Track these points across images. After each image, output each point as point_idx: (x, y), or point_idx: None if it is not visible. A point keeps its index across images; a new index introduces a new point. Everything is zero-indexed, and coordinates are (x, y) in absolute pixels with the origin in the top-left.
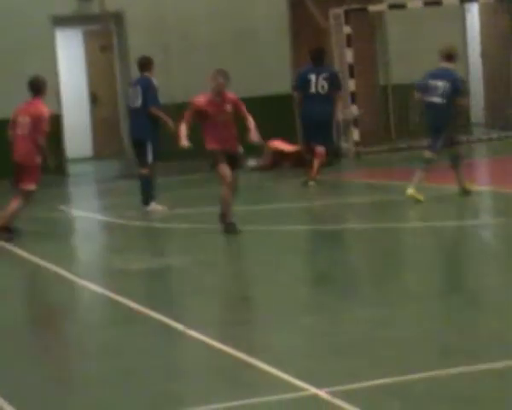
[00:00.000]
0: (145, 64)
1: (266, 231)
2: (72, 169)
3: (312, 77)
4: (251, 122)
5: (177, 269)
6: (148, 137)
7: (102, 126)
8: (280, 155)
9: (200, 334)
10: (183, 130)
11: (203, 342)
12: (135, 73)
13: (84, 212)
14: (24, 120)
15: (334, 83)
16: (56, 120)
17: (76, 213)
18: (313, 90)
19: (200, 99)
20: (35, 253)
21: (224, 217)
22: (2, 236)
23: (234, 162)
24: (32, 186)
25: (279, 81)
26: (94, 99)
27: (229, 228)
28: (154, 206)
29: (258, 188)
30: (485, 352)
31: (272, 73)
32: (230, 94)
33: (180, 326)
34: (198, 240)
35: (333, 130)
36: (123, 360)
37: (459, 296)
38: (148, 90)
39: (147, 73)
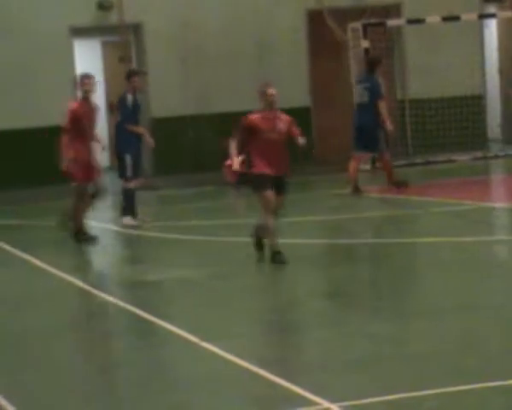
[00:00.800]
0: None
1: (281, 245)
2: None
3: (357, 86)
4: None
5: (192, 281)
6: (127, 150)
7: None
8: None
9: (214, 346)
10: (234, 149)
11: (217, 355)
12: (153, 83)
13: (98, 222)
14: None
15: (373, 92)
16: None
17: (90, 224)
18: (357, 99)
19: (253, 115)
20: (46, 262)
21: (260, 244)
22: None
23: (281, 187)
24: (75, 182)
25: (296, 94)
26: (112, 109)
27: (277, 258)
28: (128, 220)
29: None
30: (496, 369)
31: (290, 86)
32: (284, 115)
33: (194, 338)
34: (212, 252)
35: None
36: (136, 371)
37: (473, 313)
38: (123, 107)
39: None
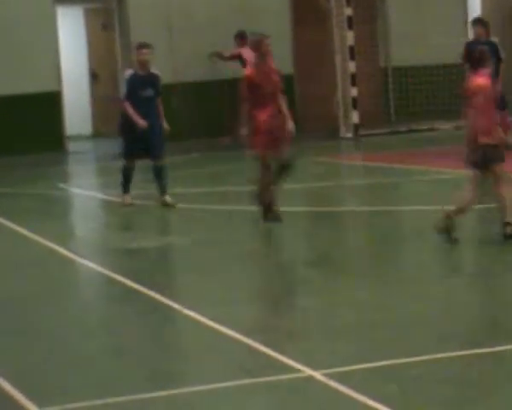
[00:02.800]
0: None
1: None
2: (71, 147)
3: None
4: (285, 108)
5: (176, 248)
6: (120, 130)
7: (102, 105)
8: None
9: (197, 314)
10: (245, 112)
11: (200, 322)
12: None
13: (84, 190)
14: None
15: None
16: (56, 97)
17: (75, 191)
18: None
19: (249, 70)
20: (33, 230)
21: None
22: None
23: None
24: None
25: (280, 62)
26: (94, 77)
27: (272, 217)
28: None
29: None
30: (482, 336)
31: (273, 54)
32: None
33: (178, 306)
34: (198, 220)
35: None
36: (120, 338)
37: (458, 280)
38: (125, 84)
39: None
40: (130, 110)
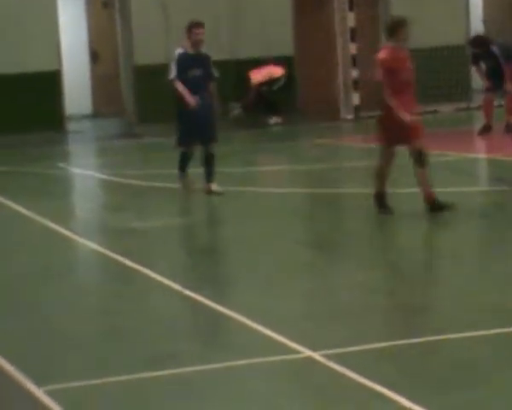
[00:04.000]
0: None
1: (264, 194)
2: (71, 126)
3: None
4: None
5: (175, 228)
6: (177, 115)
7: (102, 84)
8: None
9: (197, 294)
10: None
11: (199, 303)
12: (136, 30)
13: (83, 169)
14: None
15: None
16: (56, 77)
17: (75, 171)
18: None
19: (383, 55)
20: (32, 209)
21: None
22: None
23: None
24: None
25: (280, 44)
26: (95, 56)
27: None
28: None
29: (258, 149)
30: (479, 320)
31: (274, 35)
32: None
33: (177, 286)
34: (196, 200)
35: None
36: (118, 319)
37: (457, 264)
38: (174, 63)
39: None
40: (181, 87)
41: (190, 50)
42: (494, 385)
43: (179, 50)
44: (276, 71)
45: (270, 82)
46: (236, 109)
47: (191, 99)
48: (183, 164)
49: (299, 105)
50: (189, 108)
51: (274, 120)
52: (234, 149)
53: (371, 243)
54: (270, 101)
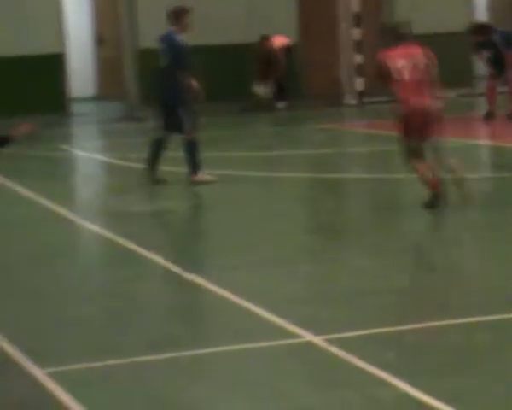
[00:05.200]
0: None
1: (266, 178)
2: (75, 109)
3: None
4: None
5: (177, 213)
6: (180, 102)
7: (106, 67)
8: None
9: (198, 277)
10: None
11: (200, 286)
12: (141, 13)
13: (86, 152)
14: None
15: None
16: (60, 59)
17: (78, 153)
18: None
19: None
20: (35, 191)
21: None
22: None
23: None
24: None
25: (284, 28)
26: (99, 39)
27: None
28: (200, 175)
29: (262, 134)
30: (479, 305)
31: (277, 20)
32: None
33: (178, 269)
34: (200, 185)
35: None
36: (119, 301)
37: (458, 249)
38: (177, 50)
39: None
40: (189, 78)
41: (183, 37)
42: (493, 371)
43: (179, 37)
44: (286, 39)
45: (288, 48)
46: (262, 88)
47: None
48: (197, 153)
49: (303, 90)
50: (195, 99)
51: (281, 104)
52: (237, 134)
53: (373, 228)
54: (283, 84)
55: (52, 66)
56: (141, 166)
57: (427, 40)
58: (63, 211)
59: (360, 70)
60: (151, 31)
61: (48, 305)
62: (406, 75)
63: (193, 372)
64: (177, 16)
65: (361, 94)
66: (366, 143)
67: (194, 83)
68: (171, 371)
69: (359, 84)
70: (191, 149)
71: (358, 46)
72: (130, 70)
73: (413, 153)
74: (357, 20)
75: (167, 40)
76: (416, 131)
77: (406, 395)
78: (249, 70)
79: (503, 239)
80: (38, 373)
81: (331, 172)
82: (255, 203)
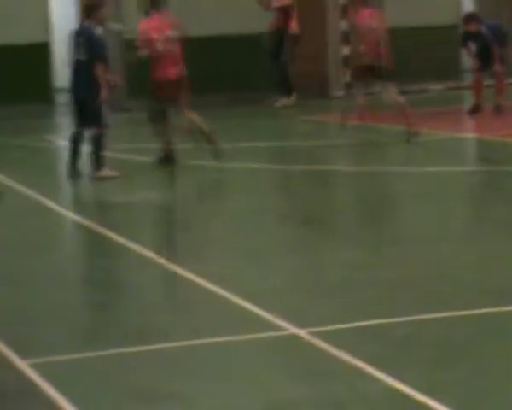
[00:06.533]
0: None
1: (251, 170)
2: (60, 99)
3: None
4: None
5: (162, 204)
6: (96, 94)
7: None
8: None
9: (183, 269)
10: None
11: (185, 278)
12: (126, 2)
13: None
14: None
15: None
16: (45, 49)
17: (62, 144)
18: None
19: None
20: (19, 182)
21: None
22: None
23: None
24: None
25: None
26: None
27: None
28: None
29: (247, 125)
30: (466, 299)
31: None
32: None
33: (163, 260)
34: (182, 175)
35: None
36: (103, 293)
37: (444, 243)
38: (97, 43)
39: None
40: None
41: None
42: (480, 364)
43: (97, 30)
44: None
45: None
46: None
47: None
48: (103, 151)
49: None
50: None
51: (289, 100)
52: (222, 126)
53: (359, 220)
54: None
55: (37, 55)
56: (125, 156)
57: (415, 33)
58: (46, 201)
59: (347, 62)
60: (136, 21)
61: (30, 295)
62: (160, 47)
63: (177, 364)
64: (94, 9)
65: (348, 86)
66: (352, 136)
67: (112, 77)
68: (155, 363)
69: (346, 75)
70: (98, 145)
71: (345, 38)
72: (116, 61)
73: (159, 114)
74: (345, 12)
75: (85, 34)
76: (166, 96)
77: (392, 388)
78: (223, 63)
79: (491, 233)
80: (21, 364)
81: (317, 164)
82: (241, 195)
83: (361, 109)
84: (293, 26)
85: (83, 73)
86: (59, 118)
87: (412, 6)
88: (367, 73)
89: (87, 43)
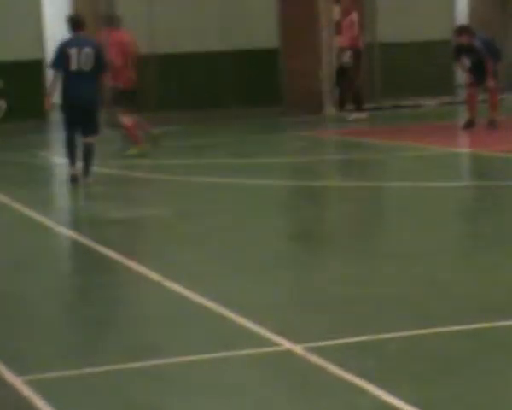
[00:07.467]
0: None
1: (247, 185)
2: (54, 116)
3: None
4: None
5: (157, 219)
6: (99, 104)
7: None
8: None
9: (176, 285)
10: None
11: (178, 294)
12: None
13: (65, 159)
14: None
15: None
16: (39, 65)
17: (56, 160)
18: None
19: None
20: (12, 197)
21: None
22: None
23: None
24: None
25: (265, 36)
26: None
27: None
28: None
29: (242, 141)
30: (461, 314)
31: (258, 27)
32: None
33: (157, 277)
34: (180, 191)
35: None
36: (98, 309)
37: (438, 257)
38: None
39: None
40: None
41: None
42: (474, 379)
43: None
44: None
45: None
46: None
47: None
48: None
49: (284, 97)
50: None
51: (358, 115)
52: (219, 141)
53: (353, 236)
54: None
55: (31, 72)
56: (120, 172)
57: (409, 48)
58: (40, 217)
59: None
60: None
61: (24, 312)
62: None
63: (171, 381)
64: (83, 23)
65: (341, 102)
66: (347, 151)
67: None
68: (149, 380)
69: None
70: (93, 153)
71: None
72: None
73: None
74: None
75: (91, 45)
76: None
77: (386, 404)
78: (221, 79)
79: (485, 248)
80: (15, 381)
81: (312, 180)
82: (236, 210)
83: None
84: (357, 41)
85: (88, 83)
86: (53, 134)
87: (405, 22)
88: None
89: (95, 55)
